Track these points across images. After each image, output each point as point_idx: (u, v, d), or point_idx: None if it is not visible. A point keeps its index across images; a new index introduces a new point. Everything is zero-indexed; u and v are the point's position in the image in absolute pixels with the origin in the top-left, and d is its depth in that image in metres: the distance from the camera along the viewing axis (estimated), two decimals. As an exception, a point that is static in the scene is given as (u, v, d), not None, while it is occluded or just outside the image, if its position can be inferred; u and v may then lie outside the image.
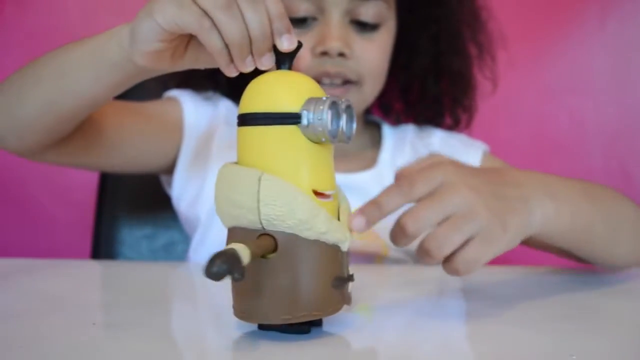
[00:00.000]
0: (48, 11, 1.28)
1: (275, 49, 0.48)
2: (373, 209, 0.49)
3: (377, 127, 0.97)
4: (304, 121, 0.44)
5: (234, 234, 0.45)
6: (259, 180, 0.43)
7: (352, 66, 0.82)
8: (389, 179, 0.69)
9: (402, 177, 0.51)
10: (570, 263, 0.74)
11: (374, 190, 0.53)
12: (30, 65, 0.68)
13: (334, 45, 0.79)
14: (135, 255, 0.99)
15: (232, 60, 0.50)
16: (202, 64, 0.57)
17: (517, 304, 0.57)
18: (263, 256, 0.44)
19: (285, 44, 0.48)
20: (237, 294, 0.46)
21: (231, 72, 0.50)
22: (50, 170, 1.05)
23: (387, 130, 0.95)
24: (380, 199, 0.49)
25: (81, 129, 0.72)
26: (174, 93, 0.90)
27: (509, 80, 1.02)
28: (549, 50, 1.29)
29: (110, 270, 0.80)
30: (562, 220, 0.56)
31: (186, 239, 0.95)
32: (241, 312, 0.46)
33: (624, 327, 0.52)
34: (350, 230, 0.47)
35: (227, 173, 0.45)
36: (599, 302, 0.58)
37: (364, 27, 0.83)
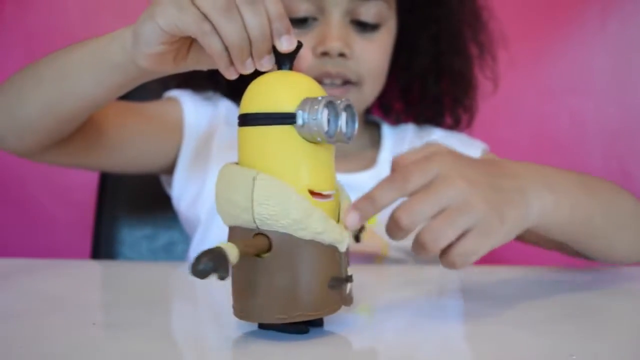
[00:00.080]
0: (48, 11, 1.28)
1: (275, 49, 0.48)
2: (367, 204, 0.48)
3: (377, 127, 0.97)
4: (299, 121, 0.44)
5: (234, 233, 0.46)
6: (254, 180, 0.43)
7: (352, 66, 0.82)
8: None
9: (397, 169, 0.50)
10: (571, 262, 0.74)
11: (373, 191, 0.53)
12: (31, 67, 0.68)
13: (334, 45, 0.79)
14: (135, 255, 0.99)
15: (232, 63, 0.50)
16: (204, 65, 0.57)
17: (517, 304, 0.57)
18: (258, 255, 0.44)
19: (285, 45, 0.48)
20: (236, 293, 0.46)
21: (231, 75, 0.51)
22: (51, 170, 1.05)
23: (387, 130, 0.95)
24: (374, 194, 0.48)
25: (82, 130, 0.72)
26: (174, 93, 0.90)
27: (510, 80, 1.02)
28: (550, 51, 1.29)
29: (110, 270, 0.80)
30: (560, 212, 0.55)
31: (186, 239, 0.95)
32: (239, 311, 0.46)
33: (624, 327, 0.52)
34: (345, 227, 0.46)
35: (226, 173, 0.46)
36: (599, 302, 0.58)
37: (364, 27, 0.83)
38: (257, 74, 0.49)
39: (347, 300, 0.47)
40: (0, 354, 0.43)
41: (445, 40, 0.93)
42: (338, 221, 0.47)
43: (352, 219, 0.47)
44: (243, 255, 0.42)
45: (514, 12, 1.15)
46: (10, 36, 1.27)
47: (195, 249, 0.86)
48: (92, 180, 1.04)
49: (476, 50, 0.95)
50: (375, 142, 0.94)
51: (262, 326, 0.47)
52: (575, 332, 0.49)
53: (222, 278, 0.40)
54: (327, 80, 0.82)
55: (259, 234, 0.44)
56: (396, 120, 0.99)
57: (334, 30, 0.80)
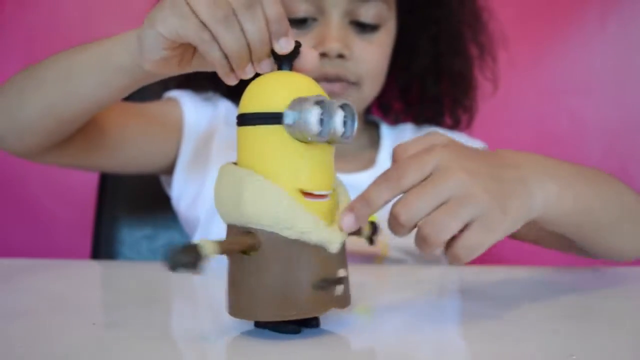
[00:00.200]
0: (48, 11, 1.28)
1: (274, 51, 0.49)
2: (362, 205, 0.46)
3: (376, 127, 0.97)
4: (287, 120, 0.44)
5: (230, 231, 0.46)
6: (243, 179, 0.44)
7: (351, 67, 0.82)
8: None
9: (394, 163, 0.49)
10: (571, 262, 0.74)
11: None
12: (32, 68, 0.68)
13: (333, 46, 0.79)
14: (135, 255, 0.99)
15: (232, 69, 0.50)
16: (209, 67, 0.57)
17: (516, 304, 0.57)
18: (247, 253, 0.44)
19: (282, 47, 0.48)
20: (228, 289, 0.47)
21: (231, 81, 0.51)
22: (51, 170, 1.05)
23: (386, 130, 0.95)
24: (368, 194, 0.47)
25: (82, 131, 0.72)
26: (174, 94, 0.90)
27: (510, 81, 1.02)
28: (550, 51, 1.29)
29: (110, 270, 0.80)
30: (564, 203, 0.54)
31: (186, 239, 0.95)
32: (229, 307, 0.47)
33: (624, 328, 0.52)
34: (340, 229, 0.46)
35: (222, 172, 0.47)
36: (599, 302, 0.58)
37: (363, 28, 0.83)
38: (257, 74, 0.49)
39: (339, 302, 0.46)
40: (0, 354, 0.43)
41: (445, 41, 0.93)
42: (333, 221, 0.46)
43: (347, 221, 0.46)
44: (226, 253, 0.43)
45: (513, 12, 1.15)
46: (10, 36, 1.27)
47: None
48: (92, 181, 1.04)
49: (476, 51, 0.95)
50: (374, 142, 0.94)
51: (258, 325, 0.48)
52: (575, 332, 0.49)
53: (195, 273, 0.41)
54: (325, 82, 0.82)
55: (248, 232, 0.45)
56: (395, 120, 0.99)
57: (333, 31, 0.80)
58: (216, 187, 0.46)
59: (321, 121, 0.44)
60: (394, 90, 0.97)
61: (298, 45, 0.49)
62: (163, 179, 0.92)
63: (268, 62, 0.49)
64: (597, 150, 1.28)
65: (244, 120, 0.46)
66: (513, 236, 0.50)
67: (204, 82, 0.89)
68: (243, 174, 0.45)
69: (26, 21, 1.27)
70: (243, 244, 0.44)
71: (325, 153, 0.46)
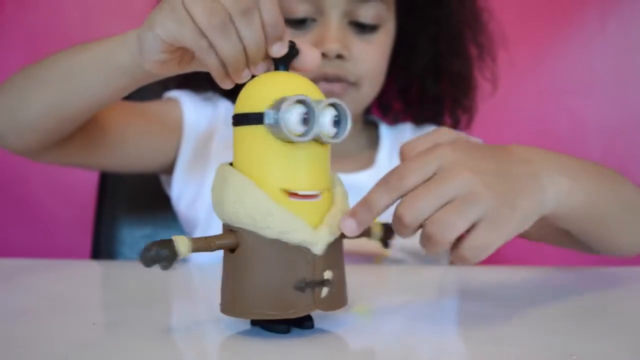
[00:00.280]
0: (48, 11, 1.28)
1: None
2: (363, 210, 0.46)
3: (375, 127, 0.97)
4: (268, 120, 0.44)
5: (223, 229, 0.47)
6: (225, 178, 0.45)
7: (350, 68, 0.82)
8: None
9: (401, 161, 0.49)
10: (571, 262, 0.74)
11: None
12: (33, 68, 0.68)
13: (332, 47, 0.79)
14: (135, 255, 0.99)
15: (228, 74, 0.50)
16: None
17: (517, 304, 0.57)
18: (233, 251, 0.45)
19: (276, 51, 0.48)
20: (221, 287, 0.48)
21: (227, 86, 0.51)
22: (51, 170, 1.05)
23: (385, 130, 0.95)
24: (370, 198, 0.46)
25: (83, 129, 0.72)
26: (173, 93, 0.90)
27: (510, 81, 1.02)
28: (550, 51, 1.29)
29: (110, 270, 0.80)
30: (575, 198, 0.52)
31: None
32: (220, 304, 0.47)
33: (624, 328, 0.52)
34: (342, 234, 0.46)
35: (216, 172, 0.47)
36: (599, 302, 0.58)
37: (362, 28, 0.83)
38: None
39: (325, 304, 0.45)
40: (0, 354, 0.43)
41: (444, 41, 0.93)
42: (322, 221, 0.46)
43: (349, 226, 0.45)
44: (200, 250, 0.44)
45: (513, 13, 1.15)
46: (10, 36, 1.27)
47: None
48: (92, 180, 1.04)
49: (476, 51, 0.95)
50: (374, 142, 0.94)
51: (253, 323, 0.48)
52: (575, 332, 0.50)
53: (164, 268, 0.43)
54: (324, 82, 0.82)
55: (231, 231, 0.45)
56: (394, 120, 0.99)
57: (332, 31, 0.80)
58: (211, 186, 0.47)
59: (305, 120, 0.44)
60: (393, 90, 0.97)
61: (293, 45, 0.49)
62: (163, 178, 0.92)
63: (263, 65, 0.50)
64: (597, 150, 1.28)
65: (235, 120, 0.46)
66: (520, 235, 0.49)
67: (204, 82, 0.89)
68: (227, 173, 0.45)
69: (26, 21, 1.27)
70: (221, 243, 0.45)
71: (314, 153, 0.46)
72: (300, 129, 0.44)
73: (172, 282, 0.69)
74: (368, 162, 0.91)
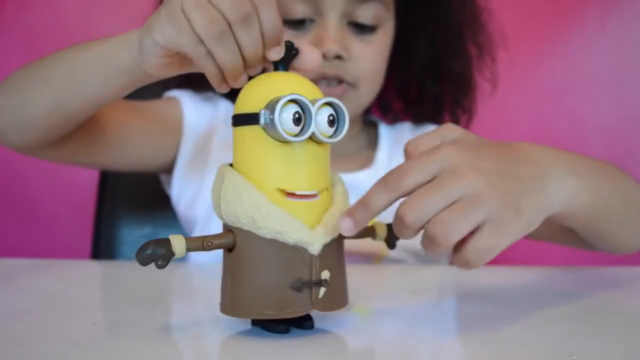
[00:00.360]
0: (48, 11, 1.28)
1: None
2: (361, 210, 0.45)
3: (374, 127, 0.97)
4: (261, 120, 0.44)
5: (223, 229, 0.47)
6: (223, 178, 0.45)
7: (349, 68, 0.82)
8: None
9: (391, 172, 0.47)
10: (571, 262, 0.74)
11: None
12: (34, 66, 0.68)
13: (331, 48, 0.79)
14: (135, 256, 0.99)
15: (225, 80, 0.51)
16: None
17: (516, 305, 0.57)
18: (230, 251, 0.45)
19: (273, 55, 0.48)
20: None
21: (223, 90, 0.52)
22: (51, 169, 1.05)
23: (384, 130, 0.95)
24: (367, 198, 0.45)
25: (83, 127, 0.72)
26: (174, 93, 0.90)
27: (509, 81, 1.02)
28: (549, 51, 1.29)
29: (110, 270, 0.80)
30: (582, 198, 0.52)
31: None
32: (219, 304, 0.47)
33: (624, 328, 0.52)
34: (339, 234, 0.45)
35: (216, 172, 0.47)
36: (599, 302, 0.58)
37: (361, 28, 0.83)
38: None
39: (322, 305, 0.45)
40: (0, 354, 0.43)
41: (443, 41, 0.93)
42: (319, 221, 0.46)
43: (346, 226, 0.45)
44: (196, 250, 0.44)
45: (513, 13, 1.15)
46: (10, 36, 1.27)
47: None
48: (92, 180, 1.04)
49: (475, 51, 0.95)
50: (373, 141, 0.94)
51: (254, 323, 0.48)
52: (575, 331, 0.50)
53: (160, 267, 0.43)
54: (323, 82, 0.82)
55: (229, 230, 0.45)
56: (394, 119, 0.99)
57: (331, 32, 0.80)
58: (212, 187, 0.47)
59: (298, 120, 0.44)
60: (393, 90, 0.97)
61: (292, 45, 0.49)
62: (163, 178, 0.92)
63: (260, 67, 0.50)
64: (597, 150, 1.28)
65: (234, 121, 0.47)
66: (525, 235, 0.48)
67: (204, 82, 0.88)
68: (226, 174, 0.45)
69: (26, 21, 1.27)
70: (218, 242, 0.45)
71: (312, 152, 0.46)
72: (295, 128, 0.44)
73: (172, 282, 0.69)
74: (367, 161, 0.91)
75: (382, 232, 0.50)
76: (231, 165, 0.47)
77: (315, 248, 0.44)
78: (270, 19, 0.48)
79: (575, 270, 0.72)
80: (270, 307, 0.44)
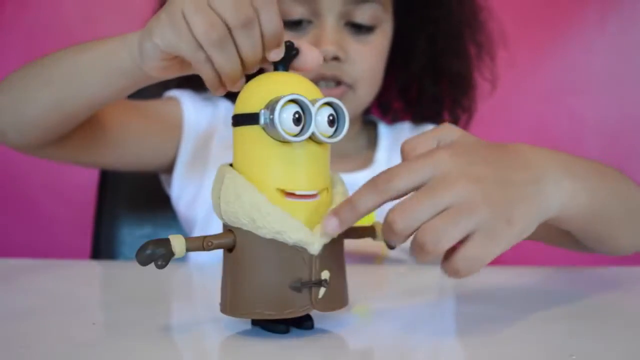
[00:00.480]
0: (48, 11, 1.28)
1: None
2: (347, 210, 0.44)
3: (374, 127, 0.97)
4: (262, 120, 0.44)
5: (223, 229, 0.47)
6: (223, 178, 0.45)
7: (347, 69, 0.82)
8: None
9: (381, 174, 0.46)
10: (570, 262, 0.74)
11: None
12: (35, 65, 0.68)
13: (329, 49, 0.79)
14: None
15: (222, 84, 0.50)
16: None
17: (516, 305, 0.57)
18: (230, 251, 0.45)
19: (273, 56, 0.48)
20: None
21: (219, 93, 0.51)
22: (51, 170, 1.05)
23: (383, 130, 0.95)
24: (355, 199, 0.44)
25: (83, 126, 0.72)
26: (174, 93, 0.90)
27: (509, 80, 1.02)
28: (549, 51, 1.29)
29: (110, 270, 0.80)
30: (579, 201, 0.51)
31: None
32: (219, 304, 0.47)
33: (624, 328, 0.52)
34: (324, 232, 0.45)
35: (216, 172, 0.47)
36: (599, 302, 0.58)
37: (359, 29, 0.82)
38: (257, 73, 0.49)
39: (321, 305, 0.45)
40: (0, 354, 0.43)
41: (443, 41, 0.93)
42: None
43: (330, 225, 0.44)
44: (196, 250, 0.44)
45: (513, 12, 1.15)
46: (10, 36, 1.27)
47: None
48: (92, 180, 1.04)
49: (475, 51, 0.95)
50: (372, 141, 0.94)
51: (254, 323, 0.48)
52: (575, 331, 0.50)
53: (160, 267, 0.43)
54: (322, 83, 0.82)
55: (229, 230, 0.45)
56: (393, 119, 0.99)
57: (328, 34, 0.80)
58: (212, 187, 0.47)
59: (298, 120, 0.44)
60: (393, 89, 0.97)
61: (291, 45, 0.49)
62: (163, 178, 0.92)
63: (257, 67, 0.50)
64: (597, 150, 1.29)
65: (233, 121, 0.47)
66: None
67: (204, 83, 0.89)
68: (225, 174, 0.45)
69: (26, 21, 1.28)
70: (218, 242, 0.45)
71: (312, 152, 0.46)
72: (295, 128, 0.44)
73: (172, 282, 0.69)
74: (367, 161, 0.91)
75: (382, 233, 0.50)
76: (231, 165, 0.47)
77: (314, 248, 0.44)
78: (272, 22, 0.48)
79: (575, 270, 0.72)
80: (269, 307, 0.44)
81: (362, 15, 0.82)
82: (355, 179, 0.85)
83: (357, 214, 0.44)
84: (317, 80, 0.81)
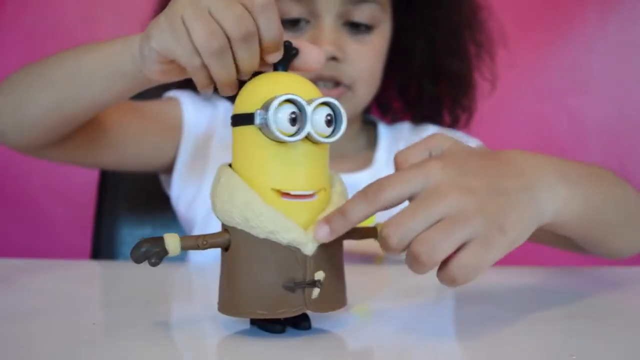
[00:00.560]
0: (48, 11, 1.28)
1: None
2: (338, 219, 0.44)
3: (374, 127, 0.97)
4: (257, 120, 0.44)
5: (221, 228, 0.47)
6: (219, 178, 0.46)
7: (344, 69, 0.82)
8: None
9: (372, 184, 0.46)
10: (570, 262, 0.74)
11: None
12: (36, 66, 0.68)
13: (327, 49, 0.79)
14: (135, 256, 0.99)
15: (215, 89, 0.50)
16: None
17: (516, 305, 0.57)
18: (226, 250, 0.46)
19: (272, 60, 0.48)
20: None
21: (207, 93, 0.51)
22: (51, 170, 1.05)
23: (383, 130, 0.95)
24: (347, 208, 0.44)
25: (83, 127, 0.73)
26: (173, 93, 0.90)
27: (509, 80, 1.02)
28: (549, 51, 1.29)
29: (110, 270, 0.80)
30: (574, 206, 0.50)
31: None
32: (217, 302, 0.47)
33: (624, 328, 0.52)
34: (315, 239, 0.44)
35: (216, 172, 0.47)
36: (599, 302, 0.58)
37: (357, 29, 0.82)
38: (257, 73, 0.49)
39: (315, 305, 0.45)
40: (0, 354, 0.43)
41: (442, 41, 0.92)
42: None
43: (321, 233, 0.44)
44: (190, 249, 0.44)
45: (513, 12, 1.15)
46: (10, 36, 1.27)
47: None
48: (92, 180, 1.04)
49: (475, 50, 0.95)
50: (372, 141, 0.94)
51: (252, 322, 0.48)
52: (575, 331, 0.50)
53: (153, 265, 0.43)
54: (320, 83, 0.82)
55: (225, 230, 0.46)
56: (393, 119, 0.99)
57: (326, 34, 0.80)
58: (211, 187, 0.47)
59: (294, 120, 0.44)
60: (392, 89, 0.97)
61: (290, 45, 0.48)
62: (163, 178, 0.92)
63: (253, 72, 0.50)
64: (596, 150, 1.29)
65: (232, 121, 0.47)
66: None
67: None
68: (222, 173, 0.46)
69: (27, 21, 1.28)
70: (213, 242, 0.45)
71: (309, 152, 0.45)
72: (291, 128, 0.44)
73: (171, 282, 0.69)
74: (366, 162, 0.91)
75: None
76: (230, 165, 0.47)
77: (308, 248, 0.44)
78: (272, 31, 0.48)
79: (575, 270, 0.72)
80: (262, 306, 0.44)
81: (361, 15, 0.81)
82: (355, 179, 0.85)
83: (348, 223, 0.44)
84: (315, 81, 0.81)
